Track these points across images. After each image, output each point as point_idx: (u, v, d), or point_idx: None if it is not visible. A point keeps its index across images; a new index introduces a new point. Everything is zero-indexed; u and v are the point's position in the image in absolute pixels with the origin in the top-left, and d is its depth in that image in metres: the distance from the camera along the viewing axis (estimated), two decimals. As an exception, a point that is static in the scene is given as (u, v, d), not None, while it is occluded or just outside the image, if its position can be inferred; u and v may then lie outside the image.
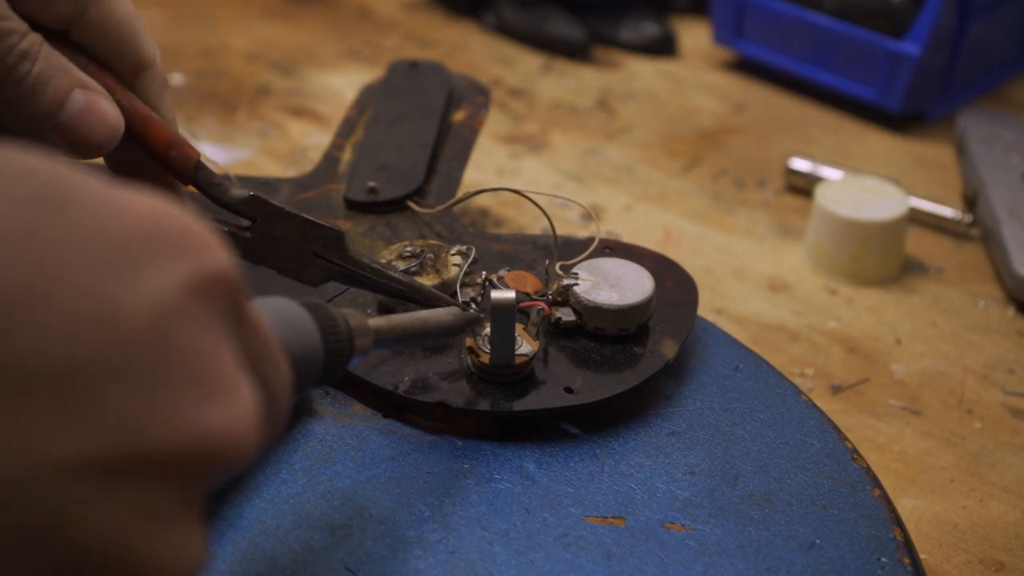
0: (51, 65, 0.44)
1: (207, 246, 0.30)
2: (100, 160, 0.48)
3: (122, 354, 0.27)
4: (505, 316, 0.50)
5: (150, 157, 0.48)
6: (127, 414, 0.27)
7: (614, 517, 0.47)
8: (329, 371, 0.41)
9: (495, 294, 0.49)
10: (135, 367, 0.27)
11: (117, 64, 0.47)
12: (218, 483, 0.46)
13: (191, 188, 0.49)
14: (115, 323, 0.27)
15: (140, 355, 0.27)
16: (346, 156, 0.66)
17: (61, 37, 0.46)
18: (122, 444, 0.27)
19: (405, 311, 0.51)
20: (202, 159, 0.49)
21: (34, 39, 0.44)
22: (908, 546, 0.47)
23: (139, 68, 0.48)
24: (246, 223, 0.50)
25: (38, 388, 0.26)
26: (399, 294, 0.52)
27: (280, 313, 0.39)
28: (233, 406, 0.29)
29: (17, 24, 0.43)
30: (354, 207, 0.61)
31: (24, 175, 0.28)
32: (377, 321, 0.44)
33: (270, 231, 0.50)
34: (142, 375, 0.27)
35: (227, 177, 0.49)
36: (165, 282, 0.28)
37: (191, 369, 0.28)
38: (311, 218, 0.50)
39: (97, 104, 0.45)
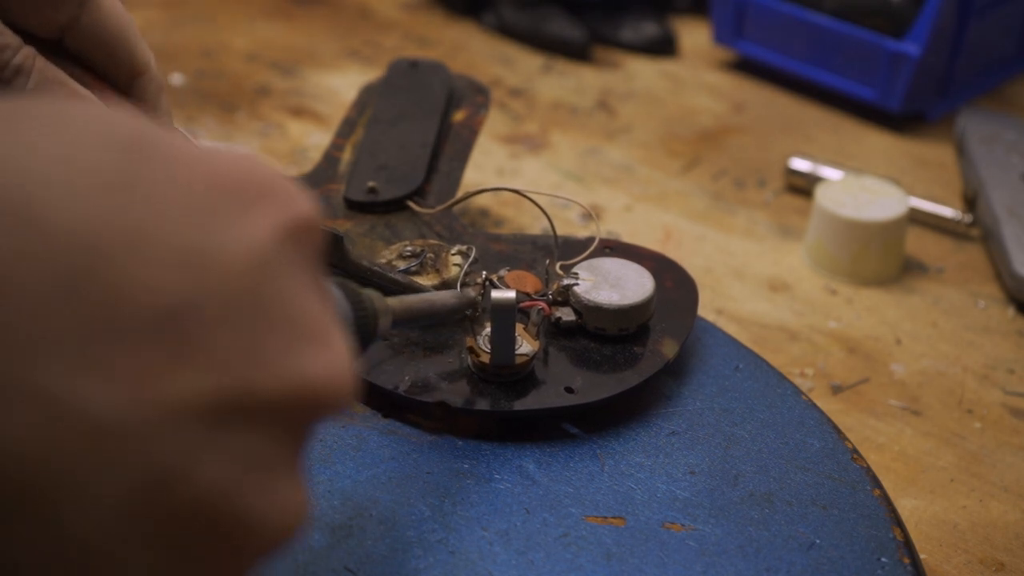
0: (46, 78, 0.44)
1: (295, 195, 0.30)
2: None
3: (227, 296, 0.27)
4: (505, 316, 0.50)
5: None
6: (235, 357, 0.27)
7: (614, 517, 0.47)
8: (357, 348, 0.40)
9: (495, 294, 0.49)
10: (240, 310, 0.27)
11: (112, 71, 0.47)
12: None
13: None
14: (218, 265, 0.27)
15: (244, 298, 0.27)
16: (346, 156, 0.66)
17: (54, 47, 0.46)
18: (231, 388, 0.27)
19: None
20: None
21: (28, 53, 0.44)
22: (908, 546, 0.47)
23: (134, 74, 0.48)
24: None
25: (148, 330, 0.25)
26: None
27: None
28: (331, 351, 0.29)
29: (10, 39, 0.43)
30: (354, 207, 0.61)
31: (112, 123, 0.28)
32: (394, 302, 0.44)
33: None
34: (247, 318, 0.27)
35: None
36: (261, 227, 0.28)
37: (291, 313, 0.28)
38: None
39: None
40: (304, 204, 0.30)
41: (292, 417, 0.28)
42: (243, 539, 0.28)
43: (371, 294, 0.41)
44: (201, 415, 0.26)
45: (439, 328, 0.54)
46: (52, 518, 0.25)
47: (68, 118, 0.27)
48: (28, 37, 0.44)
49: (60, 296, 0.25)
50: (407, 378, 0.52)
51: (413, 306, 0.46)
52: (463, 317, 0.52)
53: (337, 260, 0.51)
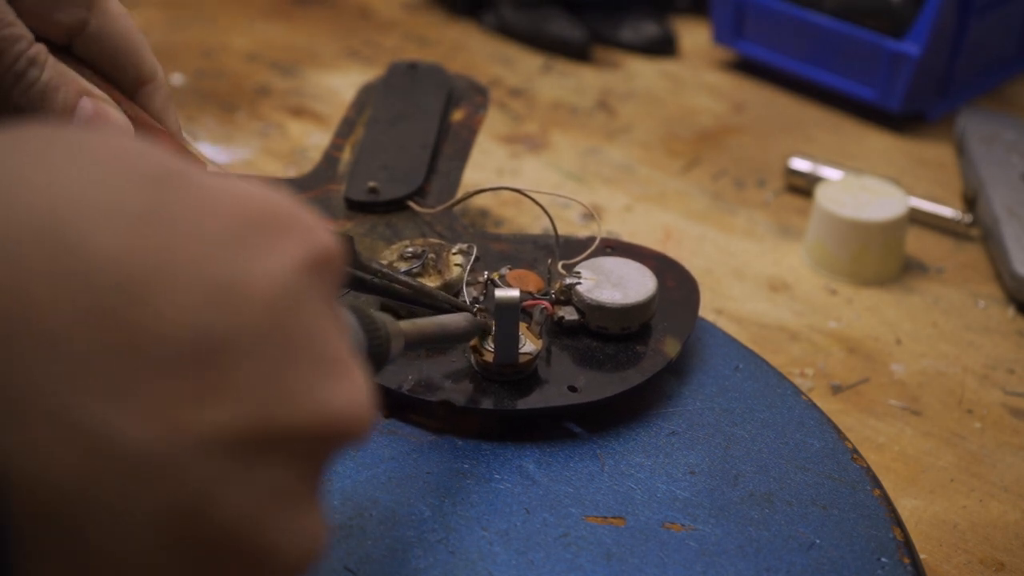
0: (59, 73, 0.45)
1: (316, 227, 0.30)
2: None
3: (252, 328, 0.27)
4: (509, 315, 0.50)
5: None
6: (261, 389, 0.27)
7: (614, 517, 0.47)
8: (370, 374, 0.40)
9: (499, 292, 0.49)
10: (265, 341, 0.27)
11: (119, 77, 0.48)
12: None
13: None
14: (243, 297, 0.27)
15: (268, 329, 0.27)
16: (345, 156, 0.66)
17: (64, 51, 0.46)
18: (258, 419, 0.27)
19: (420, 315, 0.51)
20: (208, 167, 0.49)
21: (41, 47, 0.44)
22: (908, 546, 0.47)
23: (141, 81, 0.48)
24: None
25: (177, 362, 0.26)
26: (408, 299, 0.52)
27: None
28: (352, 383, 0.30)
29: (24, 31, 0.44)
30: (355, 207, 0.61)
31: (141, 155, 0.28)
32: (406, 325, 0.44)
33: None
34: (272, 350, 0.27)
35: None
36: (284, 259, 0.28)
37: (314, 345, 0.29)
38: None
39: (106, 111, 0.45)
40: (325, 236, 0.30)
41: (314, 448, 0.29)
42: (265, 566, 0.28)
43: (384, 318, 0.41)
44: (228, 446, 0.27)
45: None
46: (82, 543, 0.25)
47: (98, 148, 0.28)
48: (39, 41, 0.45)
49: (93, 325, 0.25)
50: (411, 377, 0.52)
51: (425, 330, 0.46)
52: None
53: (348, 261, 0.51)
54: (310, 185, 0.64)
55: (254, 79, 0.90)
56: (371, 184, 0.61)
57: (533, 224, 0.73)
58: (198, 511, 0.26)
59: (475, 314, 0.52)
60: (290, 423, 0.28)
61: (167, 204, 0.27)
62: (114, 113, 0.46)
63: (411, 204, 0.61)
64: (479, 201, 0.75)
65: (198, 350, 0.26)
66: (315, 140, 0.81)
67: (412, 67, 0.71)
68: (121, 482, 0.25)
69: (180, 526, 0.26)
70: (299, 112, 0.85)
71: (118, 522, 0.25)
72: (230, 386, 0.27)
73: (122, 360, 0.25)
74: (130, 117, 0.47)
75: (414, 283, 0.52)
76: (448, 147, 0.66)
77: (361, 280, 0.51)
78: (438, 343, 0.50)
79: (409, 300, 0.52)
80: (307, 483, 0.29)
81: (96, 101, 0.45)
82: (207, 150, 0.79)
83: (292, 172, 0.77)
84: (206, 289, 0.26)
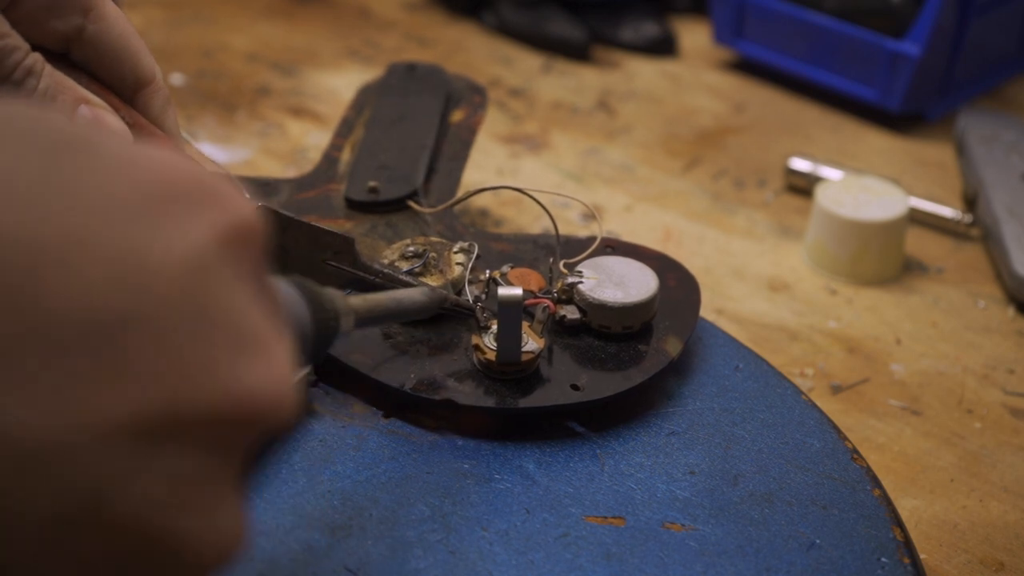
0: (56, 81, 0.44)
1: (234, 198, 0.29)
2: None
3: (158, 306, 0.25)
4: (512, 313, 0.50)
5: None
6: (167, 372, 0.25)
7: (614, 517, 0.47)
8: (317, 350, 0.39)
9: (502, 291, 0.49)
10: (173, 321, 0.26)
11: (117, 82, 0.47)
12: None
13: None
14: (148, 274, 0.25)
15: (176, 308, 0.26)
16: (345, 156, 0.66)
17: (61, 59, 0.46)
18: (163, 403, 0.25)
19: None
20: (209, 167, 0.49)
21: (37, 56, 0.44)
22: (908, 546, 0.47)
23: (139, 85, 0.48)
24: None
25: (73, 345, 0.24)
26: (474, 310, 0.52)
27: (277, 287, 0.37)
28: (271, 363, 0.28)
29: (19, 41, 0.43)
30: (355, 207, 0.61)
31: (36, 125, 0.26)
32: (357, 300, 0.43)
33: (280, 241, 0.50)
34: (180, 330, 0.26)
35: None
36: (197, 231, 0.27)
37: (229, 323, 0.27)
38: (321, 226, 0.50)
39: (104, 119, 0.45)
40: (245, 208, 0.29)
41: (228, 433, 0.27)
42: (175, 565, 0.26)
43: (332, 293, 0.40)
44: (131, 433, 0.25)
45: (439, 324, 0.54)
46: None
47: None
48: (35, 49, 0.45)
49: None
50: (413, 376, 0.52)
51: (378, 304, 0.45)
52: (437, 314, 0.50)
53: (349, 264, 0.51)
54: (310, 185, 0.64)
55: (254, 79, 0.90)
56: (371, 184, 0.61)
57: (533, 224, 0.73)
58: (100, 503, 0.25)
59: (475, 308, 0.52)
60: (199, 407, 0.26)
61: (66, 174, 0.25)
62: (112, 120, 0.45)
63: (411, 204, 0.61)
64: (479, 201, 0.75)
65: (96, 330, 0.24)
66: (315, 140, 0.81)
67: (411, 68, 0.71)
68: (11, 475, 0.24)
69: (82, 520, 0.24)
70: (299, 112, 0.85)
71: (11, 519, 0.24)
72: (132, 368, 0.25)
73: (11, 342, 0.24)
74: (128, 123, 0.46)
75: (414, 283, 0.52)
76: (448, 147, 0.66)
77: (362, 281, 0.51)
78: (394, 318, 0.48)
79: None
80: (222, 473, 0.27)
81: (94, 108, 0.45)
82: (207, 150, 0.79)
83: (292, 172, 0.77)
84: (106, 266, 0.25)
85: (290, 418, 0.29)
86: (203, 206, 0.27)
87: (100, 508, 0.25)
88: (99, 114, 0.45)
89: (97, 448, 0.24)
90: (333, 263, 0.51)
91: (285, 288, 0.38)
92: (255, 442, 0.28)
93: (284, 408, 0.28)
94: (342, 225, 0.60)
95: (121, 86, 0.47)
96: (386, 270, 0.52)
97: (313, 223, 0.50)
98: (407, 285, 0.51)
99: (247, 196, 0.29)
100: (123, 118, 0.46)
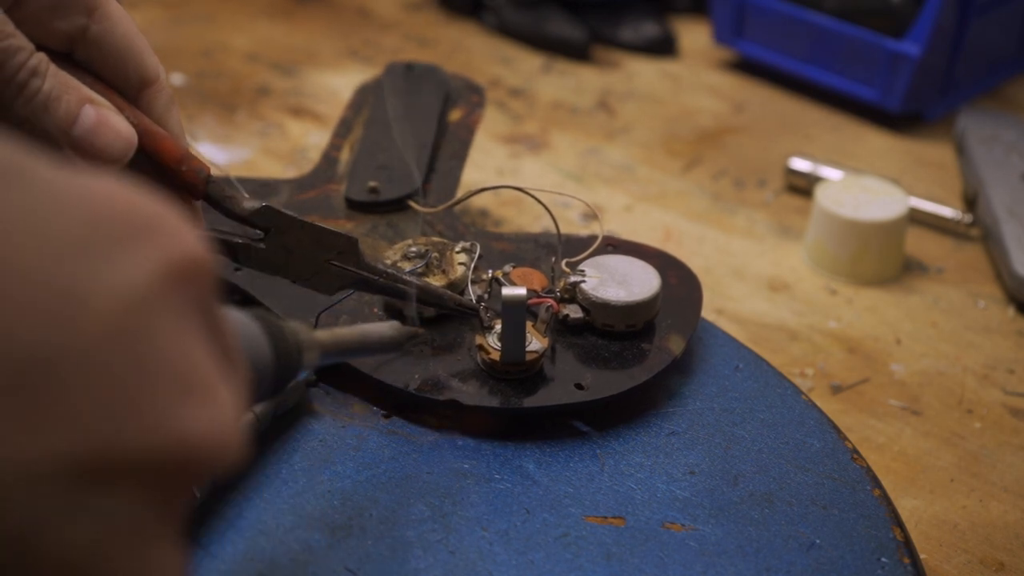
0: (60, 82, 0.44)
1: (179, 231, 0.27)
2: None
3: (91, 347, 0.25)
4: (516, 313, 0.50)
5: (160, 173, 0.48)
6: (100, 413, 0.25)
7: (614, 517, 0.47)
8: (278, 385, 0.39)
9: (506, 291, 0.49)
10: (105, 362, 0.25)
11: (121, 81, 0.47)
12: (197, 501, 0.46)
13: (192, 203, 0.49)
14: (82, 313, 0.25)
15: (111, 349, 0.25)
16: (344, 156, 0.66)
17: (65, 58, 0.46)
18: (96, 446, 0.25)
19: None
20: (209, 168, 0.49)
21: (41, 57, 0.44)
22: (908, 546, 0.47)
23: (143, 84, 0.48)
24: (259, 235, 0.50)
25: (0, 384, 0.23)
26: (414, 299, 0.52)
27: (233, 322, 0.36)
28: (213, 406, 0.27)
29: (24, 42, 0.43)
30: (355, 207, 0.61)
31: None
32: (323, 335, 0.43)
33: (284, 241, 0.50)
34: (113, 371, 0.25)
35: (230, 182, 0.49)
36: (136, 268, 0.26)
37: (168, 364, 0.26)
38: (325, 226, 0.50)
39: (109, 118, 0.45)
40: (190, 240, 0.27)
41: (166, 475, 0.26)
42: None
43: (295, 327, 0.40)
44: (60, 476, 0.24)
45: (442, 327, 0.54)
46: None
47: None
48: (38, 48, 0.44)
49: None
50: (417, 376, 0.52)
51: (344, 339, 0.44)
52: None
53: (353, 264, 0.51)
54: (310, 185, 0.64)
55: (254, 79, 0.90)
56: (371, 184, 0.61)
57: (533, 224, 0.73)
58: (24, 548, 0.24)
59: (479, 308, 0.52)
60: (134, 451, 0.25)
61: None
62: (117, 120, 0.45)
63: (411, 204, 0.61)
64: (479, 201, 0.75)
65: (25, 371, 0.24)
66: (315, 140, 0.81)
67: (409, 68, 0.71)
68: None
69: (4, 565, 0.24)
70: (299, 112, 0.85)
71: None
72: (63, 410, 0.24)
73: None
74: (133, 124, 0.46)
75: (419, 283, 0.52)
76: (447, 147, 0.66)
77: (366, 281, 0.51)
78: (361, 353, 0.48)
79: (415, 301, 0.52)
80: (162, 518, 0.26)
81: (99, 108, 0.45)
82: (207, 150, 0.79)
83: (292, 172, 0.77)
84: (36, 302, 0.24)
85: (232, 461, 0.28)
86: (145, 240, 0.26)
87: (27, 551, 0.24)
88: (104, 114, 0.45)
89: (24, 489, 0.24)
90: (337, 263, 0.51)
91: (244, 322, 0.37)
92: (195, 484, 0.27)
93: (225, 452, 0.27)
94: (343, 225, 0.60)
95: (125, 86, 0.47)
96: (390, 270, 0.51)
97: (316, 223, 0.50)
98: (410, 284, 0.52)
99: (196, 228, 0.28)
100: (128, 119, 0.46)
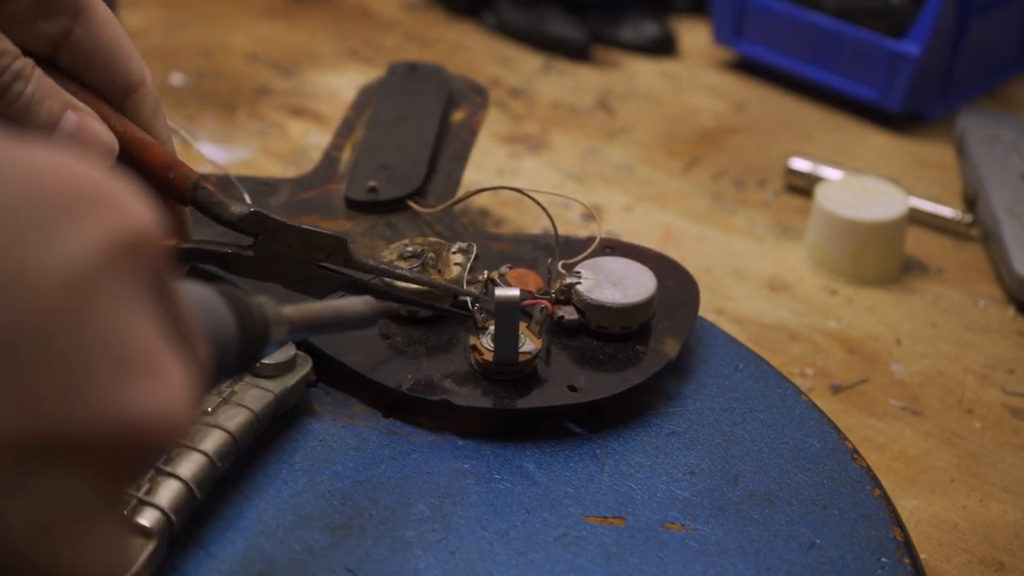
0: (44, 86, 0.44)
1: (127, 203, 0.26)
2: None
3: (33, 325, 0.24)
4: (510, 314, 0.50)
5: (148, 180, 0.47)
6: (42, 393, 0.24)
7: (614, 517, 0.47)
8: (244, 361, 0.38)
9: (500, 291, 0.49)
10: (49, 340, 0.24)
11: (106, 86, 0.47)
12: (197, 501, 0.45)
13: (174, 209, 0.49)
14: (23, 290, 0.24)
15: (54, 327, 0.24)
16: (345, 156, 0.66)
17: (48, 64, 0.45)
18: (38, 426, 0.24)
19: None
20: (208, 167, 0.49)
21: (27, 61, 0.43)
22: (908, 546, 0.47)
23: (129, 89, 0.47)
24: (248, 241, 0.50)
25: None
26: (408, 300, 0.52)
27: (194, 297, 0.35)
28: (160, 384, 0.26)
29: (8, 46, 0.43)
30: (355, 207, 0.61)
31: None
32: (291, 310, 0.41)
33: (273, 246, 0.50)
34: (57, 349, 0.24)
35: (230, 182, 0.49)
36: (80, 243, 0.25)
37: (110, 342, 0.25)
38: (313, 228, 0.50)
39: (89, 125, 0.44)
40: (139, 213, 0.27)
41: (110, 456, 0.26)
42: None
43: (261, 302, 0.39)
44: (5, 454, 0.24)
45: (437, 326, 0.54)
46: None
47: None
48: (23, 54, 0.44)
49: None
50: (410, 377, 0.52)
51: (315, 314, 0.43)
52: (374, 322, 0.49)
53: (344, 265, 0.51)
54: (310, 185, 0.64)
55: (254, 79, 0.90)
56: (371, 184, 0.61)
57: (533, 224, 0.73)
58: None
59: (474, 308, 0.51)
60: (75, 430, 0.25)
61: None
62: (98, 127, 0.45)
63: (411, 204, 0.61)
64: (479, 201, 0.75)
65: None
66: (315, 140, 0.81)
67: (412, 68, 0.71)
68: None
69: None
70: (299, 112, 0.85)
71: None
72: (3, 390, 0.24)
73: None
74: (119, 132, 0.46)
75: (412, 276, 0.52)
76: (448, 147, 0.66)
77: (359, 282, 0.51)
78: (333, 329, 0.46)
79: (408, 302, 0.52)
80: (106, 499, 0.26)
81: (80, 114, 0.44)
82: (207, 150, 0.79)
83: (292, 172, 0.77)
84: None
85: (178, 440, 0.27)
86: (88, 213, 0.26)
87: None
88: (85, 120, 0.44)
89: None
90: (327, 265, 0.50)
91: (206, 296, 0.36)
92: (141, 464, 0.27)
93: (171, 430, 0.27)
94: (342, 225, 0.60)
95: (111, 90, 0.47)
96: (382, 265, 0.51)
97: (303, 225, 0.50)
98: (403, 279, 0.51)
99: (145, 202, 0.27)
100: (112, 127, 0.46)
